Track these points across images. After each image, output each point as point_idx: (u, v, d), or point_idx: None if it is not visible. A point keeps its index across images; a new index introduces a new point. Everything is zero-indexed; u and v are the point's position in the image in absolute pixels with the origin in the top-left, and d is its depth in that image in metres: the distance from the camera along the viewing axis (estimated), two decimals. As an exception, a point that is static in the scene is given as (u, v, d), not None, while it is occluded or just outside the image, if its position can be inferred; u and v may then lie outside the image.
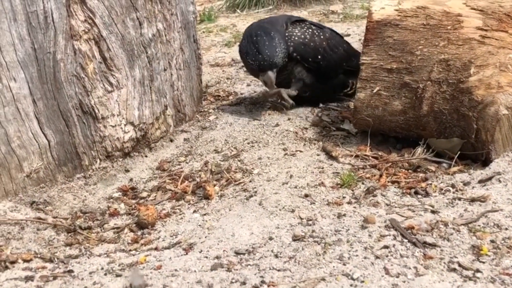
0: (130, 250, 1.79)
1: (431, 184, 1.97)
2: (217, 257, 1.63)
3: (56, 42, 2.04)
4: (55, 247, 1.82)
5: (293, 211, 1.86)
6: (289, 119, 2.60)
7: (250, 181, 2.11)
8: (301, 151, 2.31)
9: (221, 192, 2.08)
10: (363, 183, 2.03)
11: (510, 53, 2.09)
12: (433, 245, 1.59)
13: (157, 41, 2.38)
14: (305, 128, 2.51)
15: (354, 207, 1.87)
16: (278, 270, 1.54)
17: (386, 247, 1.60)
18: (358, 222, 1.75)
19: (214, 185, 2.11)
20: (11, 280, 1.61)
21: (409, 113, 2.19)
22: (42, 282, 1.59)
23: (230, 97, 3.02)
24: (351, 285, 1.45)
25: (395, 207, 1.85)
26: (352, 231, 1.70)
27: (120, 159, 2.30)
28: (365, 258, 1.56)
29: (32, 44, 2.00)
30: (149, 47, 2.34)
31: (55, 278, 1.61)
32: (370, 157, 2.22)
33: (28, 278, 1.61)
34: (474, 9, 2.19)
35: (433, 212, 1.78)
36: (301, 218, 1.81)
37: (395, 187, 1.99)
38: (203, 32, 4.69)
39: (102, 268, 1.64)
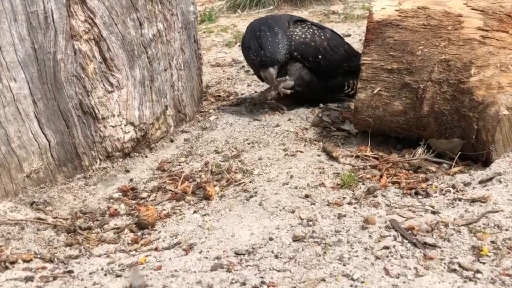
0: (130, 251, 1.79)
1: (431, 184, 1.97)
2: (217, 258, 1.62)
3: (56, 42, 2.04)
4: (55, 248, 1.82)
5: (293, 211, 1.86)
6: (289, 119, 2.60)
7: (250, 182, 2.10)
8: (301, 152, 2.30)
9: (221, 193, 2.08)
10: (363, 184, 2.03)
11: (511, 54, 2.09)
12: (434, 246, 1.59)
13: (157, 41, 2.38)
14: (305, 129, 2.51)
15: (355, 208, 1.87)
16: (278, 271, 1.54)
17: (386, 247, 1.60)
18: (359, 223, 1.74)
19: (214, 186, 2.11)
20: (11, 280, 1.61)
21: (410, 114, 2.18)
22: (42, 282, 1.59)
23: (231, 98, 3.02)
24: (351, 286, 1.45)
25: (396, 207, 1.84)
26: (352, 231, 1.70)
27: (120, 160, 2.30)
28: (365, 258, 1.56)
29: (32, 44, 2.00)
30: (150, 47, 2.34)
31: (55, 278, 1.61)
32: (371, 158, 2.22)
33: (28, 279, 1.61)
34: (475, 9, 2.19)
35: (433, 212, 1.78)
36: (301, 219, 1.81)
37: (395, 188, 1.99)
38: (204, 32, 4.69)
39: (102, 269, 1.64)
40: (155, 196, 2.12)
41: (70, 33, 2.07)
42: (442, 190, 1.92)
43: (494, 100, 2.00)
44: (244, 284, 1.48)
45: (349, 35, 4.14)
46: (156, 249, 1.75)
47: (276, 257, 1.61)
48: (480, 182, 1.94)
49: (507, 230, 1.63)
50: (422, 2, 2.25)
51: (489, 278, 1.44)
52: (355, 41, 3.84)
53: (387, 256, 1.56)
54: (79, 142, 2.17)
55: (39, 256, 1.76)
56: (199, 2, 5.79)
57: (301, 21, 2.76)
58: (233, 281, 1.50)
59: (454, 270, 1.48)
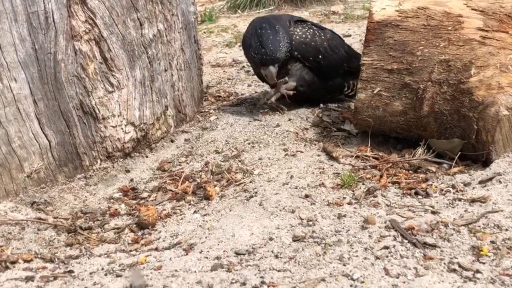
0: (130, 251, 1.79)
1: (431, 184, 1.97)
2: (217, 258, 1.63)
3: (57, 43, 2.04)
4: (56, 248, 1.83)
5: (293, 211, 1.86)
6: (289, 119, 2.60)
7: (250, 182, 2.11)
8: (301, 152, 2.31)
9: (221, 193, 2.08)
10: (363, 184, 2.03)
11: (511, 54, 2.09)
12: (433, 246, 1.59)
13: (157, 41, 2.39)
14: (305, 129, 2.51)
15: (355, 208, 1.87)
16: (278, 271, 1.54)
17: (386, 247, 1.60)
18: (358, 223, 1.75)
19: (215, 186, 2.12)
20: (11, 280, 1.61)
21: (410, 114, 2.19)
22: (42, 282, 1.60)
23: (231, 98, 3.03)
24: (351, 286, 1.45)
25: (396, 207, 1.85)
26: (352, 231, 1.70)
27: (121, 160, 2.30)
28: (365, 258, 1.56)
29: (33, 45, 2.00)
30: (150, 48, 2.34)
31: (55, 278, 1.61)
32: (371, 158, 2.22)
33: (29, 279, 1.61)
34: (475, 9, 2.19)
35: (433, 212, 1.78)
36: (301, 219, 1.81)
37: (395, 188, 1.99)
38: (204, 32, 4.69)
39: (102, 269, 1.65)
40: (156, 196, 2.12)
41: (71, 34, 2.08)
42: (442, 190, 1.93)
43: (494, 100, 2.00)
44: (244, 284, 1.49)
45: (349, 36, 4.14)
46: (156, 249, 1.76)
47: (276, 257, 1.61)
48: (480, 182, 1.94)
49: (506, 230, 1.63)
50: (422, 2, 2.26)
51: (489, 278, 1.44)
52: (355, 42, 3.85)
53: (387, 256, 1.56)
54: (79, 142, 2.17)
55: (39, 256, 1.76)
56: (199, 2, 5.79)
57: (301, 21, 2.76)
58: (233, 281, 1.50)
59: (454, 270, 1.49)
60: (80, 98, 2.14)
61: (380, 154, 2.23)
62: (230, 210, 1.93)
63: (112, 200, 2.11)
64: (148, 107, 2.37)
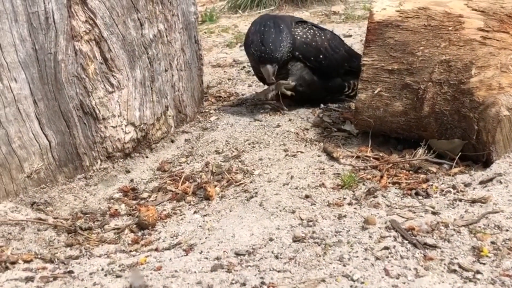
0: (130, 251, 1.79)
1: (432, 185, 1.97)
2: (217, 258, 1.63)
3: (57, 43, 2.04)
4: (56, 248, 1.83)
5: (293, 212, 1.86)
6: (290, 120, 2.60)
7: (251, 182, 2.10)
8: (302, 152, 2.31)
9: (221, 193, 2.08)
10: (364, 184, 2.03)
11: (511, 54, 2.09)
12: (434, 246, 1.59)
13: (158, 41, 2.39)
14: (306, 129, 2.51)
15: (355, 208, 1.87)
16: (278, 271, 1.54)
17: (386, 248, 1.60)
18: (359, 223, 1.74)
19: (215, 186, 2.11)
20: (11, 280, 1.61)
21: (410, 114, 2.18)
22: (42, 282, 1.60)
23: (231, 98, 3.03)
24: (351, 286, 1.45)
25: (396, 208, 1.84)
26: (352, 232, 1.70)
27: (121, 160, 2.30)
28: (365, 259, 1.56)
29: (33, 45, 2.00)
30: (150, 48, 2.34)
31: (55, 278, 1.61)
32: (371, 158, 2.22)
33: (29, 279, 1.61)
34: (476, 10, 2.19)
35: (433, 213, 1.78)
36: (302, 219, 1.81)
37: (396, 188, 1.99)
38: (205, 32, 4.69)
39: (102, 269, 1.64)
40: (156, 197, 2.12)
41: (71, 34, 2.08)
42: (443, 190, 1.92)
43: (494, 101, 2.00)
44: (244, 284, 1.48)
45: (350, 36, 4.14)
46: (156, 250, 1.76)
47: (276, 257, 1.61)
48: (481, 182, 1.93)
49: (507, 230, 1.63)
50: (422, 2, 2.25)
51: (489, 279, 1.44)
52: (356, 42, 3.84)
53: (387, 257, 1.56)
54: (79, 143, 2.17)
55: (39, 256, 1.76)
56: (200, 2, 5.79)
57: (301, 22, 2.76)
58: (233, 282, 1.50)
59: (454, 271, 1.48)
60: (80, 99, 2.14)
61: (381, 155, 2.23)
62: (230, 211, 1.93)
63: (112, 201, 2.11)
64: (148, 107, 2.36)
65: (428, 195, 1.91)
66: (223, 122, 2.63)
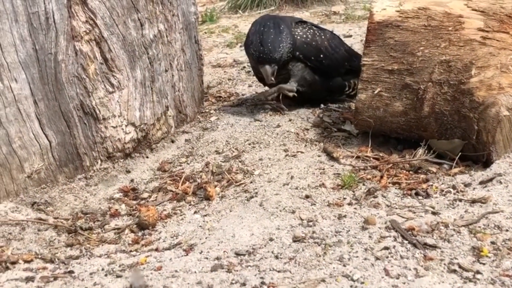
0: (130, 251, 1.79)
1: (432, 185, 1.97)
2: (218, 258, 1.63)
3: (58, 43, 2.04)
4: (56, 248, 1.83)
5: (293, 212, 1.86)
6: (290, 120, 2.60)
7: (251, 182, 2.11)
8: (302, 152, 2.31)
9: (222, 193, 2.08)
10: (364, 184, 2.03)
11: (511, 54, 2.09)
12: (434, 247, 1.59)
13: (158, 42, 2.39)
14: (306, 129, 2.51)
15: (355, 208, 1.87)
16: (278, 271, 1.54)
17: (386, 248, 1.60)
18: (359, 223, 1.75)
19: (215, 186, 2.12)
20: (11, 280, 1.61)
21: (410, 114, 2.18)
22: (42, 282, 1.60)
23: (232, 98, 3.03)
24: (351, 286, 1.45)
25: (396, 208, 1.84)
26: (352, 232, 1.70)
27: (121, 160, 2.30)
28: (365, 259, 1.56)
29: (34, 45, 2.00)
30: (150, 48, 2.34)
31: (55, 278, 1.61)
32: (371, 158, 2.22)
33: (29, 279, 1.61)
34: (475, 10, 2.19)
35: (433, 213, 1.78)
36: (302, 219, 1.81)
37: (396, 188, 1.99)
38: (205, 33, 4.69)
39: (102, 269, 1.65)
40: (156, 197, 2.12)
41: (71, 34, 2.08)
42: (443, 190, 1.93)
43: (494, 101, 2.00)
44: (244, 284, 1.49)
45: (350, 36, 4.14)
46: (156, 250, 1.76)
47: (276, 257, 1.61)
48: (481, 182, 1.94)
49: (507, 230, 1.63)
50: (422, 2, 2.25)
51: (489, 279, 1.44)
52: (356, 42, 3.85)
53: (387, 257, 1.56)
54: (80, 143, 2.17)
55: (40, 256, 1.77)
56: (200, 2, 5.80)
57: (301, 22, 2.77)
58: (233, 282, 1.50)
59: (454, 271, 1.48)
60: (80, 99, 2.14)
61: (381, 155, 2.23)
62: (231, 211, 1.93)
63: (112, 201, 2.11)
64: (148, 107, 2.37)
65: (428, 195, 1.91)
66: (223, 122, 2.63)
